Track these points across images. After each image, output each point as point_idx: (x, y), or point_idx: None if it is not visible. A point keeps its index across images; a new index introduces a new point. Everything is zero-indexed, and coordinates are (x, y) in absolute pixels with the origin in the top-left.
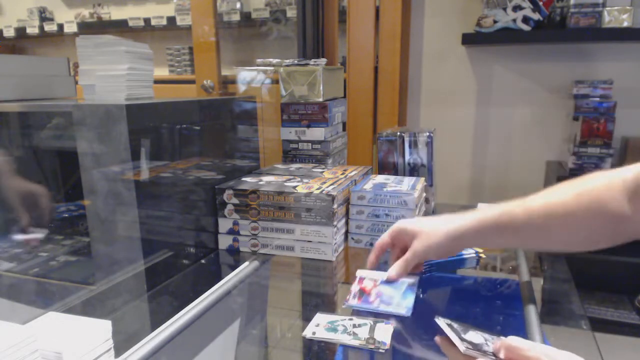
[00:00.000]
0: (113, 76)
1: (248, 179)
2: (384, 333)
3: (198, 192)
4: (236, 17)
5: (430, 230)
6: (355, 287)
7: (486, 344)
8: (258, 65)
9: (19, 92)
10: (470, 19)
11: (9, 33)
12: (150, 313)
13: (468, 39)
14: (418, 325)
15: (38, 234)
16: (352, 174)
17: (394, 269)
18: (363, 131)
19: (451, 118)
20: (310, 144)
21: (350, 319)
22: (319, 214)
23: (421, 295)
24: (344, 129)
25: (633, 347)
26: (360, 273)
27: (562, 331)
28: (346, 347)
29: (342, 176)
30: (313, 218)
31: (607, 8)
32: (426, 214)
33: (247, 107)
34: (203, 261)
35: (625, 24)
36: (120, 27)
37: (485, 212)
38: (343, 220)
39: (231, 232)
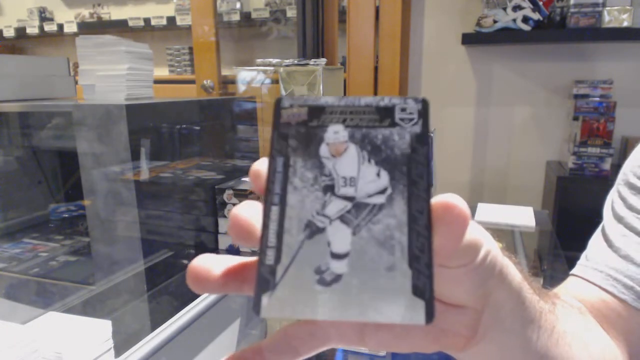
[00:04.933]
0: (113, 76)
1: (248, 179)
2: None
3: (198, 192)
4: (236, 17)
5: None
6: None
7: None
8: (258, 65)
9: (19, 92)
10: (470, 19)
11: (9, 33)
12: (150, 313)
13: (468, 39)
14: None
15: None
16: None
17: None
18: None
19: (451, 118)
20: None
21: None
22: None
23: None
24: None
25: None
26: None
27: None
28: (346, 350)
29: None
30: None
31: (607, 8)
32: None
33: (247, 107)
34: None
35: (625, 24)
36: (120, 27)
37: None
38: None
39: None
